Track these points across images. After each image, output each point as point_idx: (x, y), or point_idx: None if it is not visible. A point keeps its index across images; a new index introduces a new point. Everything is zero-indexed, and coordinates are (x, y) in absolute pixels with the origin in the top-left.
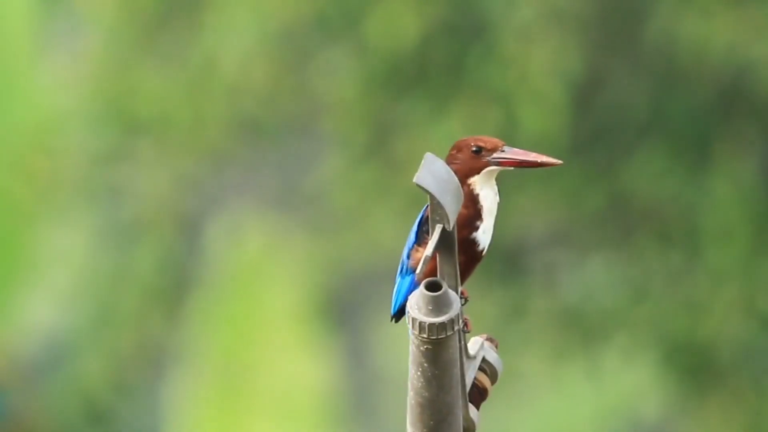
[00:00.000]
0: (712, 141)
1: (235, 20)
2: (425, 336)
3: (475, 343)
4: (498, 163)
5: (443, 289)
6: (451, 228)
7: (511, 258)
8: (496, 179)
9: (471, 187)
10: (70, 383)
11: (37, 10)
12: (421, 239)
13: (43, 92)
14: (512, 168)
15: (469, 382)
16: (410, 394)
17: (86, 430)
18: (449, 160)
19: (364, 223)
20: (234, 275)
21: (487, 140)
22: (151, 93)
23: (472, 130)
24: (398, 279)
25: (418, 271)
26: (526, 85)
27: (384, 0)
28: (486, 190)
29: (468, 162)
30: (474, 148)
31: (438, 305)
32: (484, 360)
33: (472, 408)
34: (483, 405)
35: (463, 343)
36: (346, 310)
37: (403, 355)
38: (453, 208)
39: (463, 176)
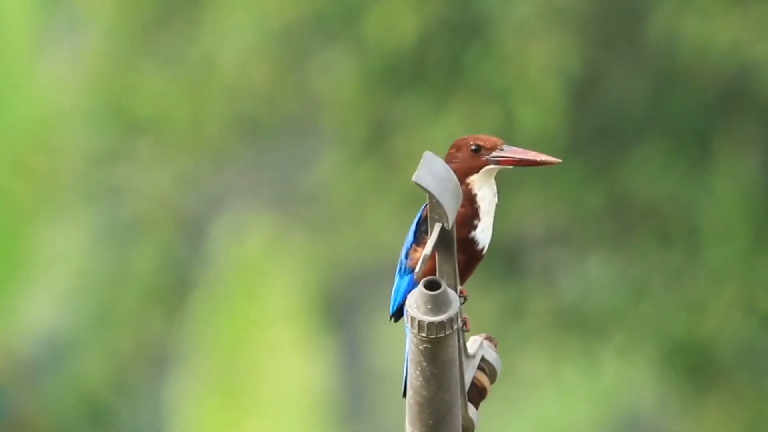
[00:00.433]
0: (712, 140)
1: (234, 19)
2: (424, 335)
3: (474, 342)
4: (497, 162)
5: (442, 288)
6: (450, 227)
7: (510, 257)
8: (496, 178)
9: (470, 186)
10: (70, 382)
11: (37, 10)
12: (419, 239)
13: (42, 91)
14: (511, 167)
15: (468, 381)
16: (409, 393)
17: (86, 430)
18: (448, 159)
19: (363, 222)
20: (233, 274)
21: (486, 139)
22: (150, 92)
23: (470, 128)
24: (397, 278)
25: (417, 270)
26: (525, 83)
27: None
28: (485, 189)
29: (467, 161)
30: (473, 147)
31: (437, 304)
32: (483, 359)
33: (471, 407)
34: (482, 404)
35: (462, 342)
36: (345, 309)
37: (403, 354)
38: (452, 207)
39: (462, 175)
